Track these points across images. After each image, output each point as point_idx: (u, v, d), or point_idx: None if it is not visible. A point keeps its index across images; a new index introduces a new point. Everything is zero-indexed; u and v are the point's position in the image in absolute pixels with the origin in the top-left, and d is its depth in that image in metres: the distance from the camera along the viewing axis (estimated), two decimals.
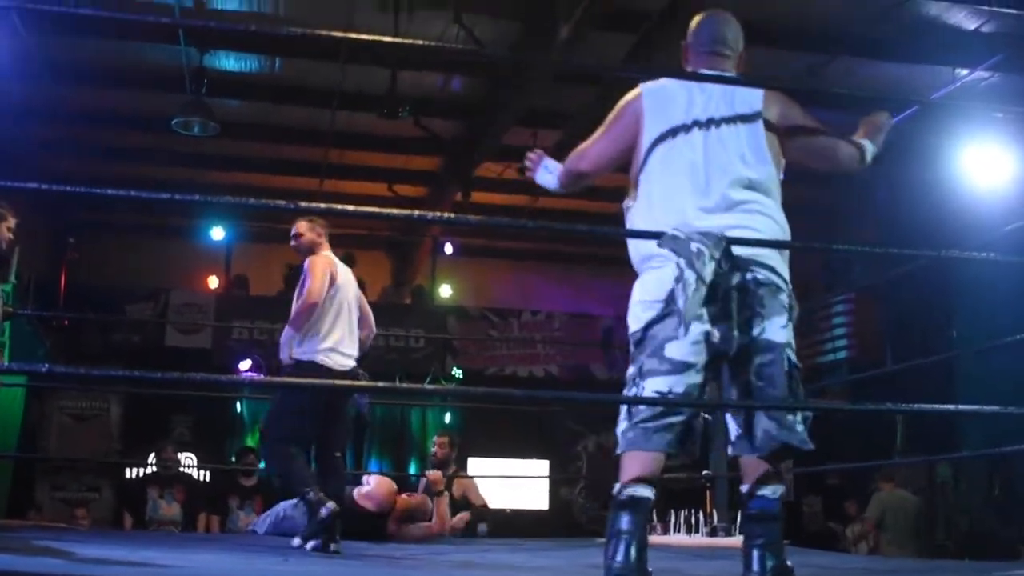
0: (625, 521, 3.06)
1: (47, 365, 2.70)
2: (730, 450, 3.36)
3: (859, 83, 9.16)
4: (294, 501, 6.73)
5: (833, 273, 12.23)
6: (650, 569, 3.07)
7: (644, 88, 3.48)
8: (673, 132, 3.36)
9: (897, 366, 8.27)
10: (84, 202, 12.81)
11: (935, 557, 8.96)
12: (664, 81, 3.49)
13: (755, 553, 3.16)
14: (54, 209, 12.84)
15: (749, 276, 3.21)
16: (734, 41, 3.63)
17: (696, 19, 3.65)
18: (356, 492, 6.61)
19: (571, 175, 3.60)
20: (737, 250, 3.16)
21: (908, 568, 5.15)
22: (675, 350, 3.18)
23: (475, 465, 11.75)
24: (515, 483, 11.80)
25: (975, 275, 9.47)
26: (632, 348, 3.34)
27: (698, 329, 3.17)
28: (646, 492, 3.10)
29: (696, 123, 3.35)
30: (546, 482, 12.75)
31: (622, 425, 3.22)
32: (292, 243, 5.85)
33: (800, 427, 3.24)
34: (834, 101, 9.27)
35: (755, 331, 3.22)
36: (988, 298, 9.06)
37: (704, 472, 7.24)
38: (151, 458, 11.14)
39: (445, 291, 14.42)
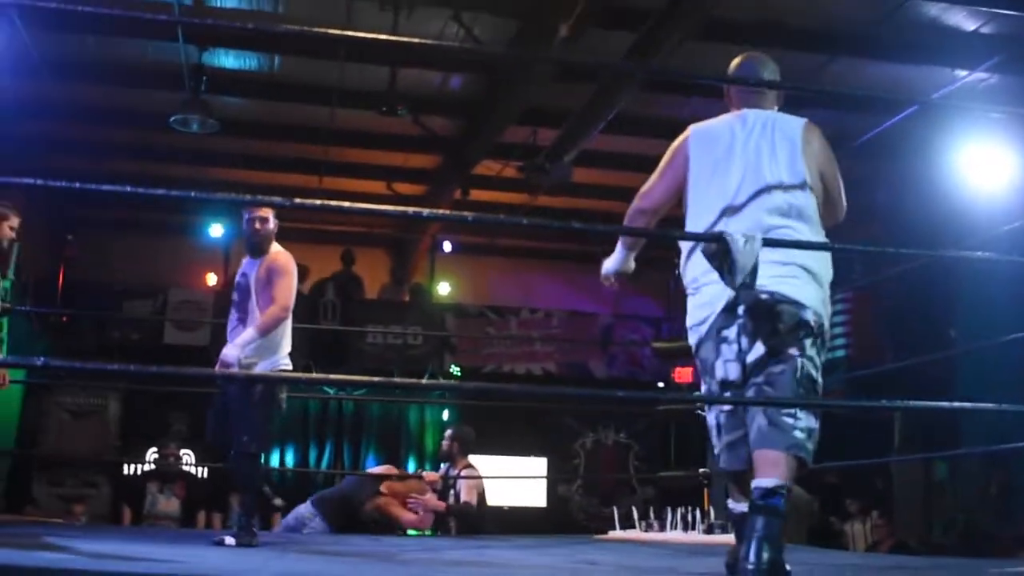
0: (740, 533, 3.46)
1: (43, 359, 2.71)
2: None
3: (860, 83, 9.17)
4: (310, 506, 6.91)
5: (834, 270, 12.24)
6: (666, 566, 3.27)
7: (692, 130, 3.79)
8: (715, 168, 3.65)
9: (895, 364, 8.28)
10: (82, 199, 12.81)
11: (933, 556, 8.98)
12: (710, 122, 3.78)
13: (753, 545, 3.22)
14: (52, 206, 12.83)
15: (771, 294, 3.46)
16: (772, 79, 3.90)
17: (736, 61, 3.94)
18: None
19: (635, 214, 3.82)
20: (762, 271, 3.31)
21: (906, 565, 5.16)
22: (720, 370, 3.53)
23: (472, 462, 11.76)
24: (513, 480, 11.81)
25: (974, 274, 9.48)
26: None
27: (732, 348, 3.50)
28: (742, 507, 3.50)
29: (736, 155, 3.62)
30: (544, 479, 12.75)
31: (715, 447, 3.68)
32: (256, 226, 5.44)
33: (798, 433, 3.37)
34: (836, 101, 9.31)
35: (771, 344, 3.45)
36: (987, 297, 9.07)
37: (701, 470, 7.26)
38: (150, 454, 11.15)
39: (443, 289, 14.42)
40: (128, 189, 2.70)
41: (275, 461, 11.89)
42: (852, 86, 9.11)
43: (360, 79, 9.47)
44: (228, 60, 9.47)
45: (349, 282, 13.28)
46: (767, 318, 3.45)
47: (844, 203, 3.91)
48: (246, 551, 4.87)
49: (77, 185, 2.65)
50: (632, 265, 3.97)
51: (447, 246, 14.20)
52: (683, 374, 11.38)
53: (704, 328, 3.57)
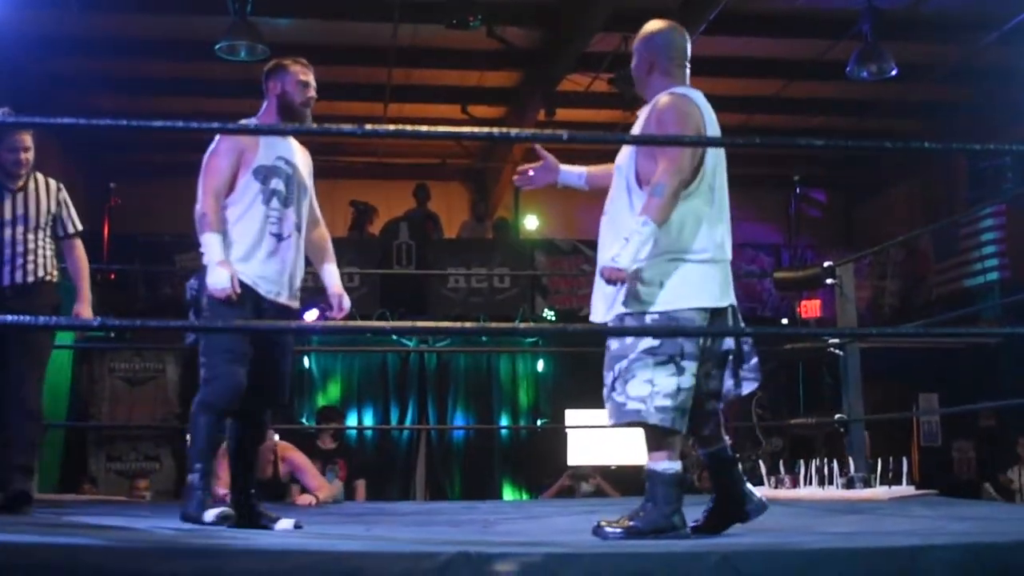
0: None
1: (99, 318, 2.75)
2: None
3: None
4: None
5: (981, 183, 11.96)
6: (801, 526, 3.90)
7: (693, 97, 4.07)
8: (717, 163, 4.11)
9: None
10: (125, 142, 13.01)
11: None
12: (700, 96, 4.11)
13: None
14: (92, 151, 13.07)
15: None
16: None
17: (669, 25, 4.27)
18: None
19: (680, 193, 3.92)
20: None
21: None
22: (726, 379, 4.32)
23: (573, 417, 11.81)
24: (621, 437, 11.81)
25: None
26: None
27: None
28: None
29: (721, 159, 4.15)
30: None
31: None
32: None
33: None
34: None
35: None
36: None
37: (837, 416, 7.19)
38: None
39: (531, 223, 14.40)
40: (180, 124, 2.71)
41: (352, 421, 12.06)
42: None
43: None
44: None
45: (425, 220, 13.32)
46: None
47: None
48: (332, 526, 4.92)
49: (125, 123, 2.66)
50: None
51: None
52: (810, 307, 11.25)
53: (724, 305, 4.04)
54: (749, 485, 4.14)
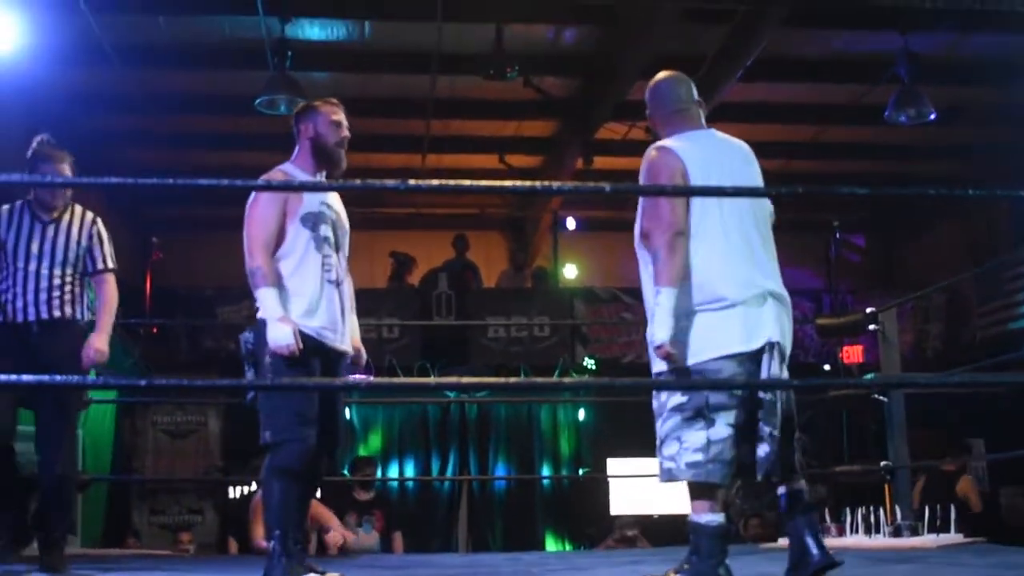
0: None
1: (145, 379, 2.78)
2: None
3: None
4: None
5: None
6: None
7: (676, 148, 4.05)
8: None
9: None
10: (167, 197, 13.13)
11: None
12: (685, 142, 4.10)
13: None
14: (134, 206, 13.20)
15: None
16: None
17: (659, 79, 4.28)
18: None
19: (680, 245, 3.93)
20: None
21: None
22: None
23: (615, 466, 11.76)
24: (664, 486, 11.73)
25: None
26: None
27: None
28: None
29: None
30: None
31: None
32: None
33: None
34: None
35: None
36: None
37: (883, 463, 7.12)
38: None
39: (570, 272, 14.40)
40: (225, 182, 2.74)
41: (394, 472, 12.05)
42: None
43: (461, 41, 9.51)
44: (313, 31, 9.61)
45: (464, 271, 13.34)
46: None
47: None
48: None
49: (171, 181, 2.67)
50: None
51: (571, 223, 14.16)
52: (852, 353, 11.17)
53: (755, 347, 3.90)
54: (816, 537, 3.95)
